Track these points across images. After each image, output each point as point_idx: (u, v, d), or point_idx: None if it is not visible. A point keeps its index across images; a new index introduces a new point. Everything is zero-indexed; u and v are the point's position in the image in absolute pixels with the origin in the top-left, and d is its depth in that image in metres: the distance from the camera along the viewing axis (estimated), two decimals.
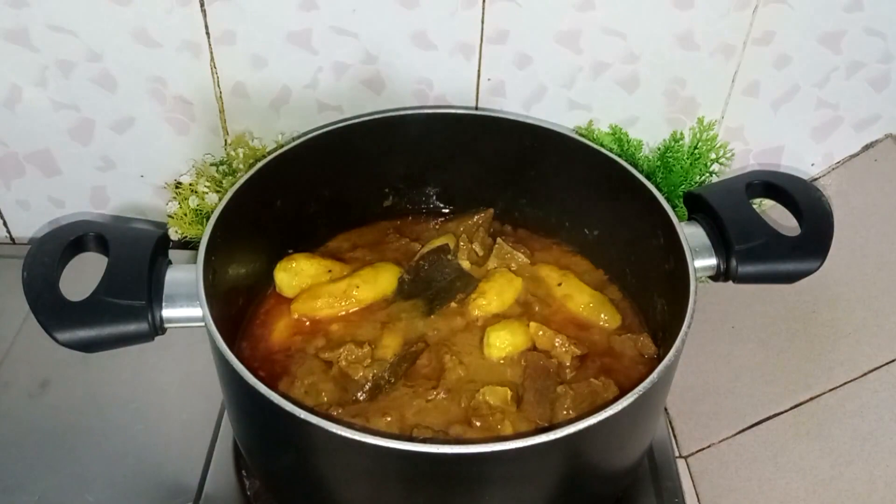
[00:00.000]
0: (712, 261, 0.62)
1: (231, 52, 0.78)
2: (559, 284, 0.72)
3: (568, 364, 0.66)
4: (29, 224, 0.91)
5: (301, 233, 0.75)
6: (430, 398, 0.62)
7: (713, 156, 0.83)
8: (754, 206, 0.64)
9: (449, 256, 0.73)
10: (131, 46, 0.77)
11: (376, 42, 0.78)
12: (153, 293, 0.56)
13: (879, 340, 0.72)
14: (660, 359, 0.55)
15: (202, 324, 0.56)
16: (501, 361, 0.66)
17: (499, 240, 0.75)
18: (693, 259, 0.61)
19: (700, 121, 0.83)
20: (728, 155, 0.84)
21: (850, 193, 0.85)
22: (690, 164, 0.82)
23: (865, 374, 0.72)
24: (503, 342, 0.66)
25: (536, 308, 0.71)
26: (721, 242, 0.62)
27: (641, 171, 0.68)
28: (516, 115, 0.78)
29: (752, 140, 0.86)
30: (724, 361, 0.81)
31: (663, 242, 0.65)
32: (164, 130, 0.83)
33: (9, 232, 0.92)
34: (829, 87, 0.82)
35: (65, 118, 0.82)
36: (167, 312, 0.56)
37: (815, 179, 0.89)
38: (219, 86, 0.80)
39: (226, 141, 0.84)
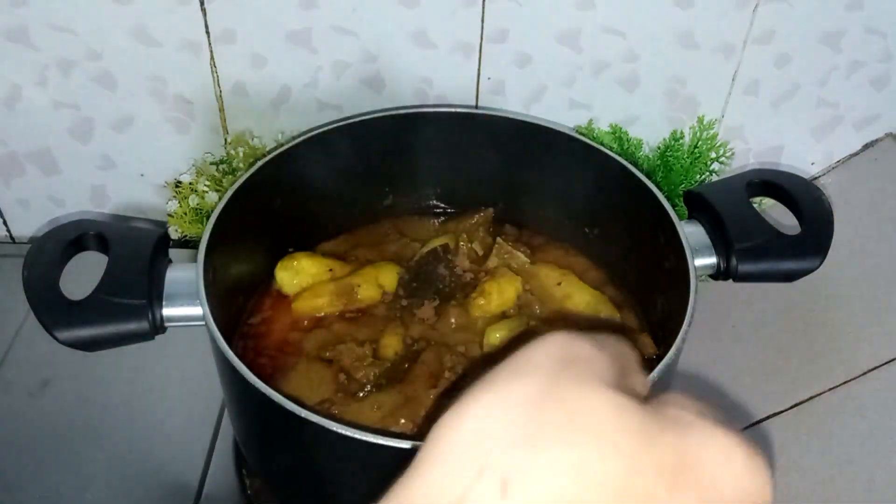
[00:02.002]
0: (712, 259, 0.62)
1: (231, 51, 0.78)
2: (559, 284, 0.72)
3: None
4: (29, 223, 0.90)
5: (301, 232, 0.75)
6: (430, 397, 0.62)
7: (713, 155, 0.83)
8: (754, 205, 0.64)
9: (449, 256, 0.73)
10: (131, 45, 0.77)
11: (376, 41, 0.78)
12: (153, 292, 0.56)
13: (879, 340, 0.72)
14: (660, 358, 0.55)
15: (202, 322, 0.56)
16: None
17: (499, 239, 0.75)
18: (693, 257, 0.61)
19: (700, 120, 0.83)
20: (728, 154, 0.84)
21: (850, 192, 0.85)
22: (690, 162, 0.82)
23: (865, 373, 0.71)
24: (503, 342, 0.66)
25: (536, 307, 0.71)
26: (721, 241, 0.62)
27: (641, 170, 0.68)
28: (516, 114, 0.78)
29: (752, 139, 0.86)
30: (724, 361, 0.81)
31: (663, 241, 0.64)
32: (164, 129, 0.83)
33: (9, 231, 0.92)
34: (829, 86, 0.82)
35: (65, 117, 0.82)
36: (167, 311, 0.56)
37: (816, 178, 0.89)
38: (219, 85, 0.80)
39: (226, 140, 0.84)
